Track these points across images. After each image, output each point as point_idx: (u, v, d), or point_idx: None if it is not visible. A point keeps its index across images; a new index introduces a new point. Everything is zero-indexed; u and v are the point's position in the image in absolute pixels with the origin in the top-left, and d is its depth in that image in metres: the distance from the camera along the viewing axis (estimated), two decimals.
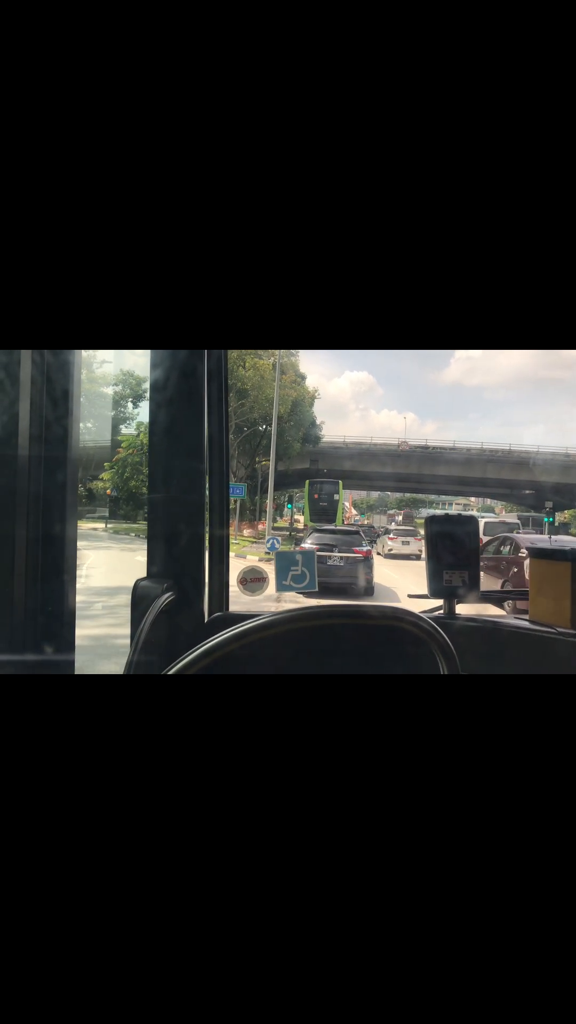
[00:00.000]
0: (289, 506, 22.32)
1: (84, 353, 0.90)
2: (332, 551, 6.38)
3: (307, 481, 15.14)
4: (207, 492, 1.26)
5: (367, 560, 6.55)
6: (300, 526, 16.21)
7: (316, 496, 14.01)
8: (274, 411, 14.04)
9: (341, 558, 6.38)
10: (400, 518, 23.80)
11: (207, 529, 1.27)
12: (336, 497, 14.03)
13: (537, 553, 1.18)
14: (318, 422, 22.39)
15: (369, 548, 7.10)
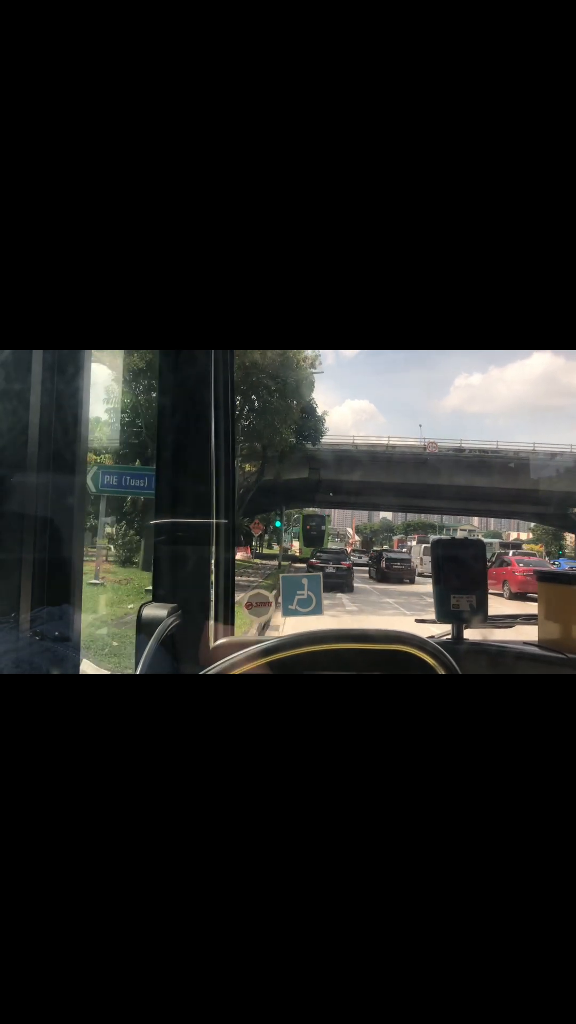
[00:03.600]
0: (278, 524, 18.32)
1: None
2: (328, 564, 10.79)
3: (302, 516, 18.96)
4: (214, 516, 1.26)
5: (350, 570, 11.26)
6: (297, 553, 17.42)
7: (309, 527, 17.74)
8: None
9: (335, 568, 10.58)
10: (414, 542, 20.38)
11: (213, 553, 1.27)
12: (323, 528, 17.99)
13: (546, 577, 1.17)
14: (320, 412, 15.59)
15: (350, 562, 11.85)
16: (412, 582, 11.93)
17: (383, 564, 12.57)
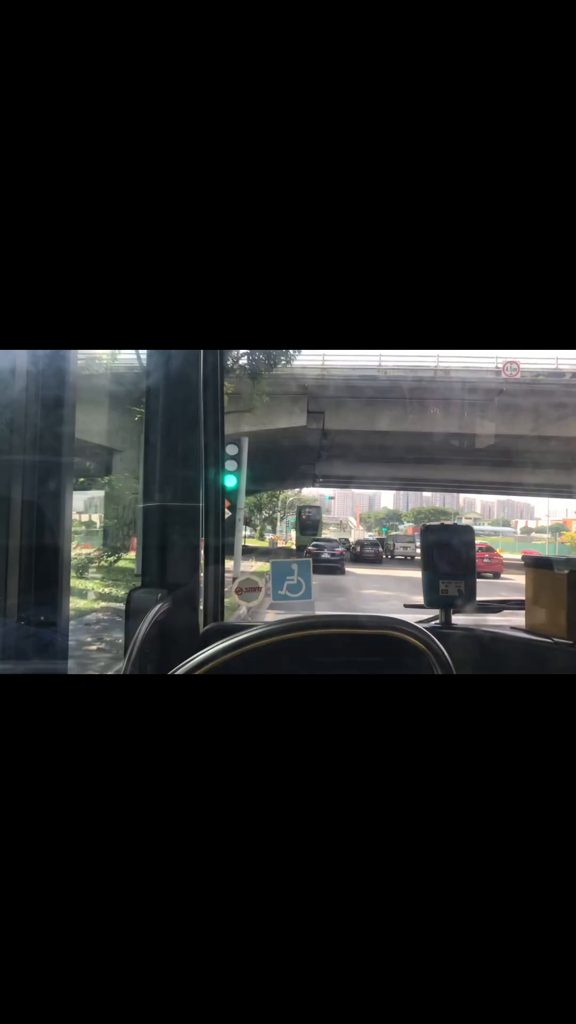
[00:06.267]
0: (233, 482, 11.18)
1: None
2: (324, 550, 13.38)
3: (297, 508, 20.24)
4: (202, 500, 1.26)
5: (341, 556, 13.87)
6: (293, 546, 18.23)
7: (304, 517, 18.69)
8: None
9: (330, 554, 13.14)
10: None
11: (202, 538, 1.26)
12: (317, 518, 19.18)
13: (533, 562, 1.17)
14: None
15: (343, 548, 14.87)
16: (380, 563, 16.62)
17: (358, 549, 17.70)
